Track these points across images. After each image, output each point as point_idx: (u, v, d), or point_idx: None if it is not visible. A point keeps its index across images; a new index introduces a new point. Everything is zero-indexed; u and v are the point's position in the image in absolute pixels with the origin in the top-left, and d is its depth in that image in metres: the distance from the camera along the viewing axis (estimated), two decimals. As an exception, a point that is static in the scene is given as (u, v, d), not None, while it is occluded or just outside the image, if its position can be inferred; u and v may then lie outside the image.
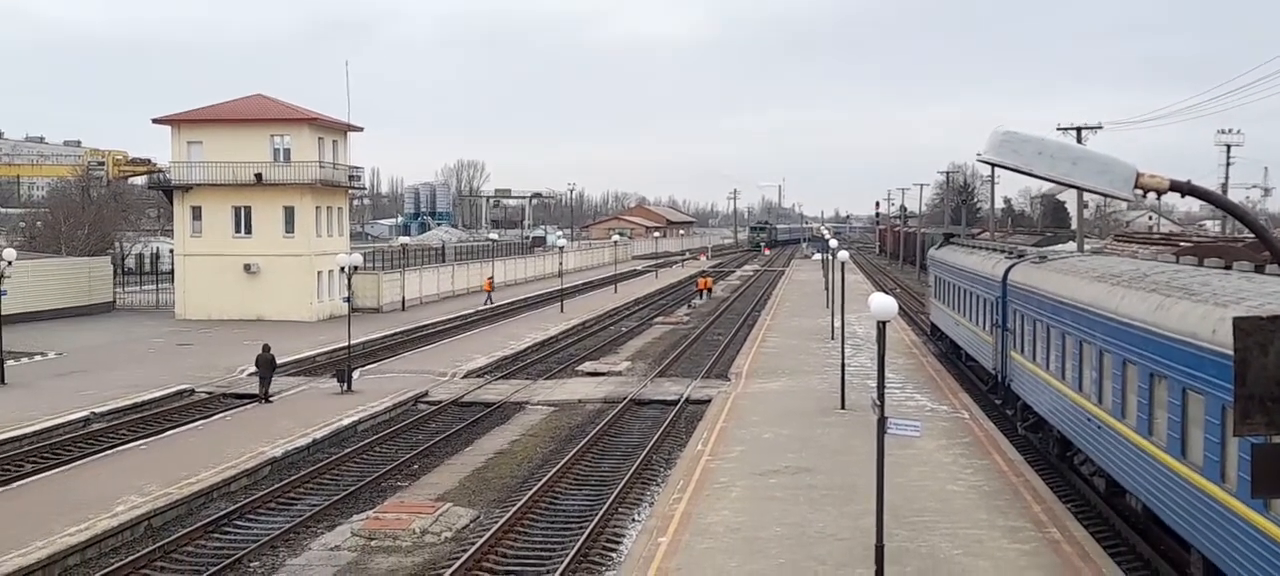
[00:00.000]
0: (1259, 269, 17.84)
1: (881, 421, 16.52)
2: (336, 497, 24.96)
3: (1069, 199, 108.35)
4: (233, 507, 23.99)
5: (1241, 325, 6.42)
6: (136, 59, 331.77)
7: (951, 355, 44.43)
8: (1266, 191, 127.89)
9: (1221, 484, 14.75)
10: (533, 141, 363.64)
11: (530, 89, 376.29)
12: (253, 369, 38.01)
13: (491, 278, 78.89)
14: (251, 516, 23.71)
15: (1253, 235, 7.48)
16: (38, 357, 45.39)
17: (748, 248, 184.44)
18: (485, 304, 70.47)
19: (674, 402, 36.17)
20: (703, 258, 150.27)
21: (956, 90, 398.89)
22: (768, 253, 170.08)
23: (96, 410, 33.57)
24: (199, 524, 22.67)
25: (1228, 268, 19.00)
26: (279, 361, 37.43)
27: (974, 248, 45.09)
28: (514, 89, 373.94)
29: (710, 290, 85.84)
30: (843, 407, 32.46)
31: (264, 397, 35.39)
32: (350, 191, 70.42)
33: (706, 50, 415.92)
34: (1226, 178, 75.68)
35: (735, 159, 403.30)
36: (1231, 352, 6.47)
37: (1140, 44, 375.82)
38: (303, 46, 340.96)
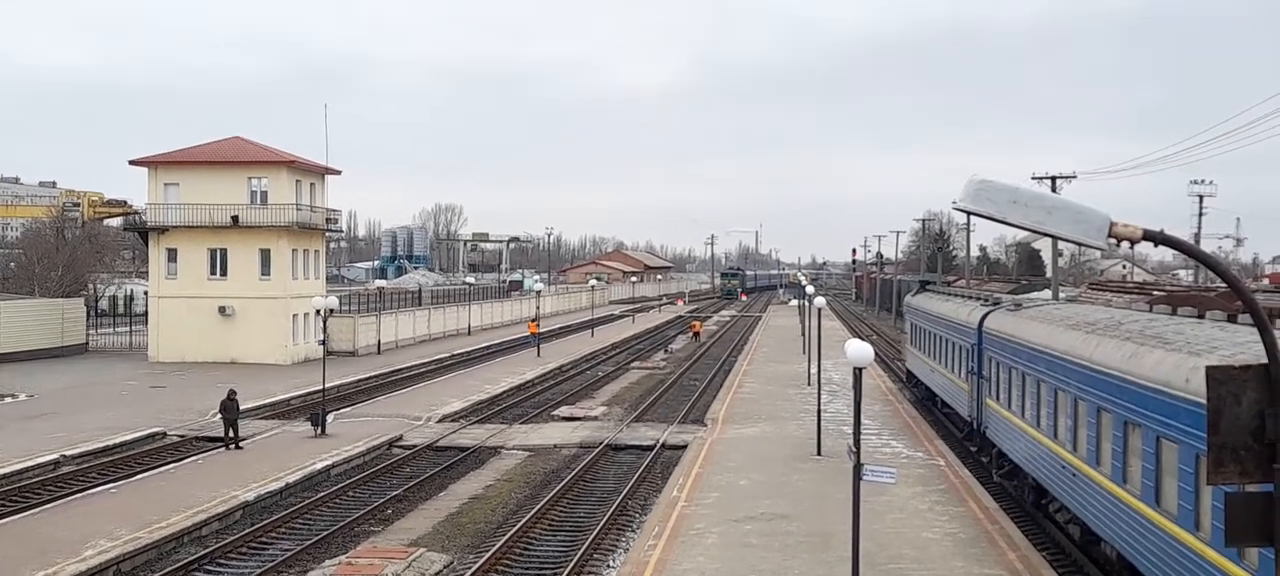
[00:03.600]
0: (1231, 318, 17.94)
1: (857, 468, 16.51)
2: (309, 542, 24.70)
3: (1044, 247, 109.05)
4: (203, 552, 23.71)
5: (1214, 374, 6.46)
6: (114, 101, 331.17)
7: (927, 402, 44.51)
8: (1239, 241, 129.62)
9: (1195, 532, 14.79)
10: (511, 186, 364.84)
11: (509, 134, 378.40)
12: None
13: (537, 321, 78.42)
14: (222, 561, 23.44)
15: (1225, 284, 7.53)
16: (9, 399, 44.94)
17: (721, 294, 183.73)
18: (534, 344, 70.65)
19: (650, 448, 36.05)
20: (681, 303, 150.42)
21: (933, 139, 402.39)
22: (744, 298, 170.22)
23: (67, 453, 33.19)
24: (169, 569, 22.39)
25: (1201, 317, 19.12)
26: (254, 404, 37.11)
27: (950, 295, 45.30)
28: (493, 134, 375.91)
29: (697, 333, 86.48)
30: (819, 454, 32.43)
31: (231, 443, 34.85)
32: (327, 234, 70.24)
33: (685, 97, 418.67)
34: (1199, 227, 76.42)
35: (713, 204, 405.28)
36: (1205, 401, 6.50)
37: (1114, 95, 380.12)
38: (283, 90, 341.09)
